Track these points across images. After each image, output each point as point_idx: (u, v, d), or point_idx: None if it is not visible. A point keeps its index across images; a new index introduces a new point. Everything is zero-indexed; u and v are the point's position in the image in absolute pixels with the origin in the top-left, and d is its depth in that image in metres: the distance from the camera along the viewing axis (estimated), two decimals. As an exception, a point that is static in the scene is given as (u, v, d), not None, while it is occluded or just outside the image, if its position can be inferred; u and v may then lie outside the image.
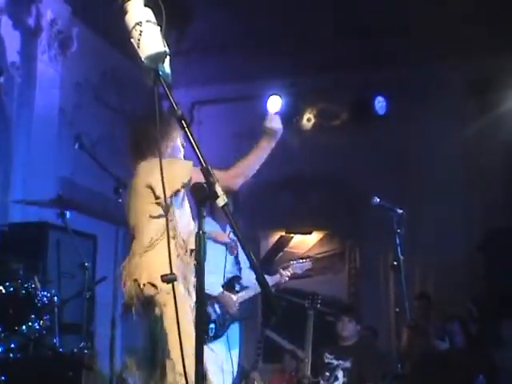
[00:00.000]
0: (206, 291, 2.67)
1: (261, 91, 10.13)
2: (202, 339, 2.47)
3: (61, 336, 5.53)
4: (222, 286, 5.82)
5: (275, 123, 4.24)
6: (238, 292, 5.92)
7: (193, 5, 8.74)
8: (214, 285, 5.70)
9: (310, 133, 10.36)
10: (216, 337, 5.73)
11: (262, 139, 4.21)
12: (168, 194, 3.69)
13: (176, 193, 3.85)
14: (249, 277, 5.88)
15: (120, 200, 5.44)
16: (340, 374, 6.32)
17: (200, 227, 2.48)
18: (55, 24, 8.28)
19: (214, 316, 5.77)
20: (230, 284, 5.94)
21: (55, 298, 5.51)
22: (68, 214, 6.07)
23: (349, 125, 10.30)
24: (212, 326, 5.73)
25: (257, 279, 2.84)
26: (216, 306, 5.80)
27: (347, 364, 6.38)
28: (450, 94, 9.66)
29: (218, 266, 5.83)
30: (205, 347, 2.45)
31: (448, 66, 9.54)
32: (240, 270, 6.01)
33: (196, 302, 2.56)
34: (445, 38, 8.78)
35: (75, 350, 5.57)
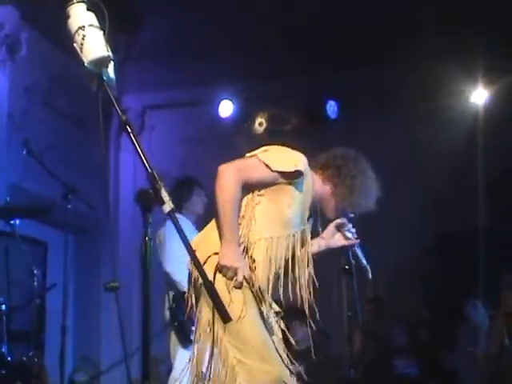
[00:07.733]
0: None
1: (213, 96, 10.18)
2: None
3: (9, 345, 5.46)
4: None
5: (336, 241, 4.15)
6: None
7: (143, 10, 8.68)
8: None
9: (262, 137, 10.36)
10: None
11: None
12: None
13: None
14: None
15: (69, 206, 5.36)
16: (293, 378, 6.29)
17: (146, 234, 2.46)
18: (2, 28, 8.16)
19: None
20: None
21: (3, 305, 5.45)
22: (17, 220, 5.99)
23: (301, 129, 10.32)
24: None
25: (205, 287, 2.82)
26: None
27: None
28: (399, 98, 9.72)
29: None
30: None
31: (397, 71, 9.60)
32: None
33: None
34: (394, 42, 8.85)
35: (24, 359, 5.50)
